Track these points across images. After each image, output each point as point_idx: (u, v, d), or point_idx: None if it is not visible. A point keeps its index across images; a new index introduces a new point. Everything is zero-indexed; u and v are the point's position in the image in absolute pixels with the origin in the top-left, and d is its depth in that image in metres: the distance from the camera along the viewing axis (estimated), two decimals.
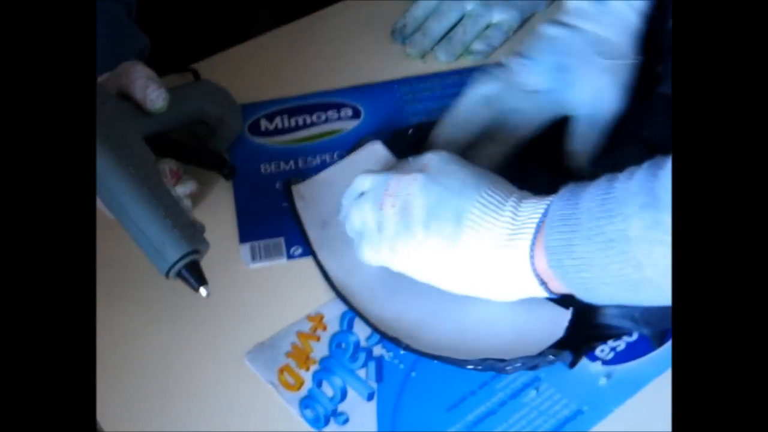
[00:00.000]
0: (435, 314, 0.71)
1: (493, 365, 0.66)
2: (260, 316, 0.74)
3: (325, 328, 0.72)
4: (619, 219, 0.59)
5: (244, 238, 0.79)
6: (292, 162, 0.85)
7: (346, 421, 0.67)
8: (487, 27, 0.95)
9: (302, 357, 0.70)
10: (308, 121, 0.88)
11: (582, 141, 0.81)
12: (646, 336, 0.68)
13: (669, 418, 0.51)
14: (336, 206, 0.76)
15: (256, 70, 0.93)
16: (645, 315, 0.68)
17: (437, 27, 0.94)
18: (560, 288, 0.65)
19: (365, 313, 0.72)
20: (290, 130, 0.88)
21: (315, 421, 0.67)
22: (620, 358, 0.68)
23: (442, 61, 0.93)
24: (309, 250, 0.77)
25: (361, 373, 0.69)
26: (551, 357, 0.66)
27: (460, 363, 0.67)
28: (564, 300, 0.68)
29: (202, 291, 0.68)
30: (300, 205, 0.80)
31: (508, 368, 0.66)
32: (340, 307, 0.73)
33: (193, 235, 0.69)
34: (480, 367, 0.67)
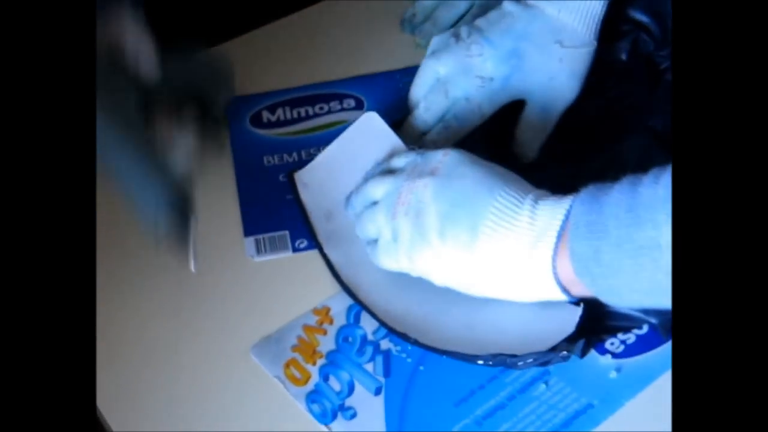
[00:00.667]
0: (444, 308, 0.70)
1: (504, 360, 0.65)
2: (266, 310, 0.73)
3: (331, 322, 0.71)
4: (650, 226, 0.58)
5: (248, 231, 0.78)
6: (295, 154, 0.84)
7: (354, 415, 0.66)
8: None
9: (309, 351, 0.70)
10: (311, 112, 0.87)
11: (532, 130, 0.81)
12: (655, 328, 0.67)
13: None
14: (340, 194, 0.76)
15: (258, 61, 0.92)
16: None
17: (446, 16, 0.93)
18: (584, 292, 0.64)
19: (372, 307, 0.72)
20: (293, 121, 0.87)
21: (322, 416, 0.66)
22: (630, 351, 0.67)
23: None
24: (314, 243, 0.76)
25: (369, 367, 0.68)
26: (564, 353, 0.65)
27: (470, 358, 0.66)
28: None
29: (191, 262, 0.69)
30: (304, 195, 0.79)
31: (519, 363, 0.65)
32: (347, 301, 0.73)
33: (179, 195, 0.67)
34: (491, 363, 0.66)
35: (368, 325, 0.71)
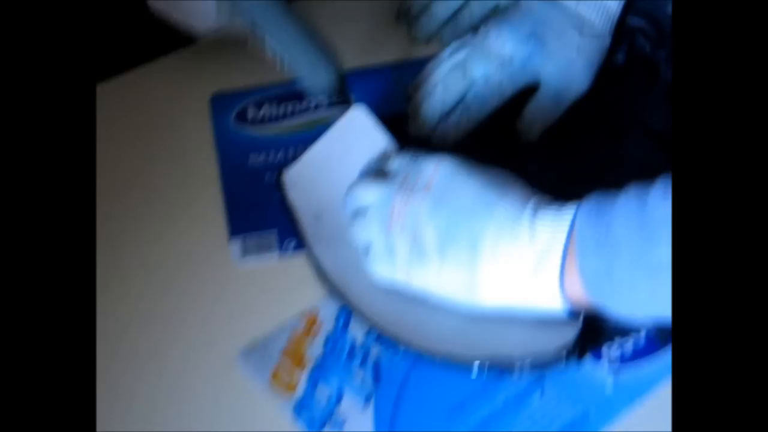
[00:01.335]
0: (437, 314, 0.68)
1: (501, 364, 0.63)
2: (252, 315, 0.71)
3: (320, 327, 0.70)
4: (665, 244, 0.56)
5: (234, 233, 0.76)
6: (281, 152, 0.82)
7: (343, 423, 0.64)
8: (495, 9, 0.91)
9: (296, 357, 0.68)
10: (297, 108, 0.85)
11: (542, 113, 0.80)
12: (652, 334, 0.66)
13: None
14: (329, 193, 0.74)
15: (244, 55, 0.88)
16: None
17: (443, 9, 0.90)
18: (593, 306, 0.61)
19: (362, 310, 0.69)
20: (279, 118, 0.85)
21: (310, 424, 0.64)
22: (627, 358, 0.66)
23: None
24: (303, 244, 0.74)
25: (358, 373, 0.66)
26: (563, 356, 0.63)
27: (465, 361, 0.64)
28: None
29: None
30: (292, 194, 0.76)
31: (516, 365, 0.63)
32: (336, 305, 0.70)
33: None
34: (487, 366, 0.64)
35: (358, 330, 0.69)
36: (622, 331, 0.66)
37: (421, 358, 0.66)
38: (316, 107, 0.85)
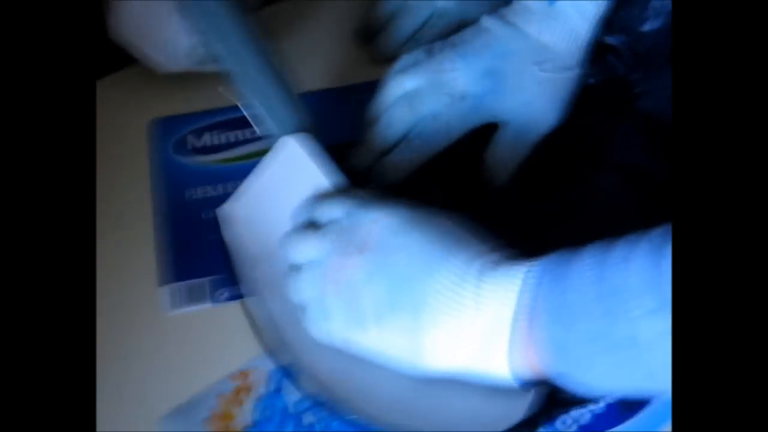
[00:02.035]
0: (381, 374, 0.62)
1: None
2: (178, 373, 0.65)
3: (249, 390, 0.64)
4: (624, 321, 0.50)
5: (164, 279, 0.70)
6: (221, 186, 0.75)
7: None
8: (459, 26, 0.83)
9: (223, 425, 0.62)
10: (241, 137, 0.78)
11: (505, 154, 0.73)
12: (613, 406, 0.59)
13: None
14: (267, 236, 0.67)
15: (186, 77, 0.82)
16: None
17: (404, 27, 0.84)
18: (547, 377, 0.56)
19: (299, 370, 0.63)
20: (222, 148, 0.78)
21: None
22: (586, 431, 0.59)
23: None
24: (238, 294, 0.68)
25: None
26: (514, 430, 0.58)
27: None
28: None
29: None
30: (229, 235, 0.70)
31: None
32: (269, 364, 0.64)
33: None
34: None
35: (293, 394, 0.63)
36: (579, 401, 0.60)
37: (361, 429, 0.60)
38: (265, 136, 0.78)
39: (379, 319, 0.58)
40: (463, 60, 0.73)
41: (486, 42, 0.74)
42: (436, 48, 0.75)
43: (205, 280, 0.69)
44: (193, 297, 0.69)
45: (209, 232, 0.71)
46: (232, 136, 0.78)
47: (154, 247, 0.72)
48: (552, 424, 0.60)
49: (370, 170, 0.74)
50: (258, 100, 0.68)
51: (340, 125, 0.78)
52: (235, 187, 0.73)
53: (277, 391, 0.63)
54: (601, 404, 0.60)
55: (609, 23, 0.77)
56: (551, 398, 0.60)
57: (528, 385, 0.56)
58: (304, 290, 0.61)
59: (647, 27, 0.77)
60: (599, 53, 0.77)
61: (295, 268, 0.63)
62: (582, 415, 0.60)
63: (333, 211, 0.63)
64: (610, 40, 0.78)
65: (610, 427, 0.59)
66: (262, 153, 0.75)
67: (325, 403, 0.61)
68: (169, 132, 0.79)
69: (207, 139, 0.78)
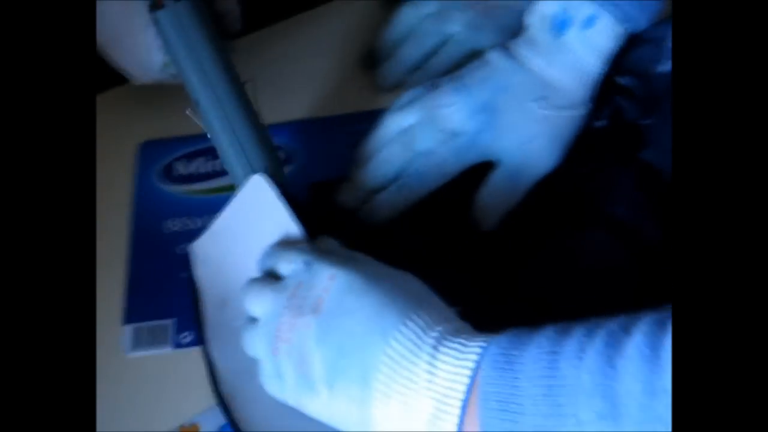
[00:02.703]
0: None
1: None
2: (129, 422, 0.63)
3: None
4: (572, 422, 0.48)
5: (129, 318, 0.68)
6: (199, 219, 0.73)
7: None
8: (470, 56, 0.78)
9: None
10: None
11: (497, 196, 0.70)
12: None
13: None
14: (235, 277, 0.65)
15: (181, 98, 0.78)
16: None
17: (413, 53, 0.79)
18: None
19: (247, 427, 0.61)
20: (207, 176, 0.75)
21: None
22: None
23: None
24: (199, 338, 0.66)
25: None
26: None
27: None
28: None
29: None
30: (199, 273, 0.68)
31: None
32: (220, 419, 0.62)
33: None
34: None
35: None
36: None
37: None
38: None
39: (328, 384, 0.56)
40: (460, 94, 0.70)
41: (486, 75, 0.71)
42: (440, 82, 0.71)
43: (169, 322, 0.67)
44: (155, 339, 0.67)
45: (181, 269, 0.69)
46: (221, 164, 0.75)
47: (124, 280, 0.70)
48: None
49: (356, 211, 0.71)
50: (225, 134, 0.65)
51: (336, 156, 0.75)
52: (210, 221, 0.71)
53: None
54: None
55: (620, 63, 0.72)
56: None
57: None
58: (256, 346, 0.59)
59: (660, 68, 0.72)
60: (608, 94, 0.73)
61: (252, 321, 0.60)
62: None
63: (293, 263, 0.60)
64: (621, 80, 0.73)
65: None
66: None
67: None
68: (158, 156, 0.77)
69: (199, 164, 0.76)
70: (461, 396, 0.52)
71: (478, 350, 0.52)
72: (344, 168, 0.73)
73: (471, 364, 0.52)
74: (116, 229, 0.73)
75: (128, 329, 0.67)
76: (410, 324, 0.55)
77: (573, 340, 0.50)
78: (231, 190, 0.72)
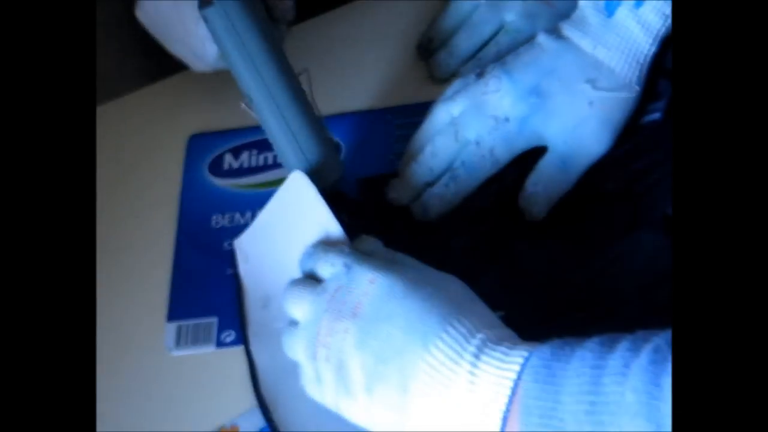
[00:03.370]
0: None
1: None
2: (169, 421, 0.63)
3: None
4: None
5: (172, 315, 0.67)
6: (249, 213, 0.71)
7: None
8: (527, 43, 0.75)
9: None
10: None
11: (547, 184, 0.67)
12: None
13: None
14: (278, 274, 0.63)
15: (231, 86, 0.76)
16: None
17: (466, 43, 0.77)
18: None
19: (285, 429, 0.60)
20: (256, 170, 0.74)
21: None
22: None
23: None
24: (241, 337, 0.65)
25: None
26: None
27: None
28: None
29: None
30: (244, 270, 0.67)
31: None
32: (259, 421, 0.61)
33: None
34: None
35: None
36: None
37: None
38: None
39: (367, 389, 0.55)
40: (506, 79, 0.68)
41: (532, 59, 0.68)
42: (488, 69, 0.69)
43: (212, 320, 0.66)
44: (198, 337, 0.66)
45: (227, 265, 0.68)
46: (270, 156, 0.74)
47: (170, 276, 0.69)
48: None
49: (409, 208, 0.69)
50: (280, 129, 0.64)
51: (385, 150, 0.73)
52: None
53: None
54: None
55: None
56: None
57: None
58: (296, 351, 0.58)
59: None
60: (658, 77, 0.70)
61: (292, 324, 0.59)
62: None
63: (333, 265, 0.59)
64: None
65: None
66: None
67: None
68: (206, 149, 0.76)
69: (248, 158, 0.75)
70: (502, 407, 0.50)
71: (521, 360, 0.51)
72: (394, 162, 0.72)
73: (513, 375, 0.50)
74: (165, 223, 0.72)
75: (171, 327, 0.67)
76: (451, 331, 0.53)
77: (617, 355, 0.48)
78: (280, 184, 0.71)
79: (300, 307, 0.58)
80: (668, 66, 0.69)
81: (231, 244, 0.69)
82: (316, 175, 0.63)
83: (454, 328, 0.53)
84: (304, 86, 0.65)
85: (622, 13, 0.67)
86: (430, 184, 0.69)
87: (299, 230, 0.63)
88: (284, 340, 0.59)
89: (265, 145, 0.74)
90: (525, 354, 0.51)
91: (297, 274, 0.61)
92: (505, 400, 0.50)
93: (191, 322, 0.67)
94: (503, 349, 0.52)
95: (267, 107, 0.63)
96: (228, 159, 0.75)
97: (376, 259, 0.59)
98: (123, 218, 0.73)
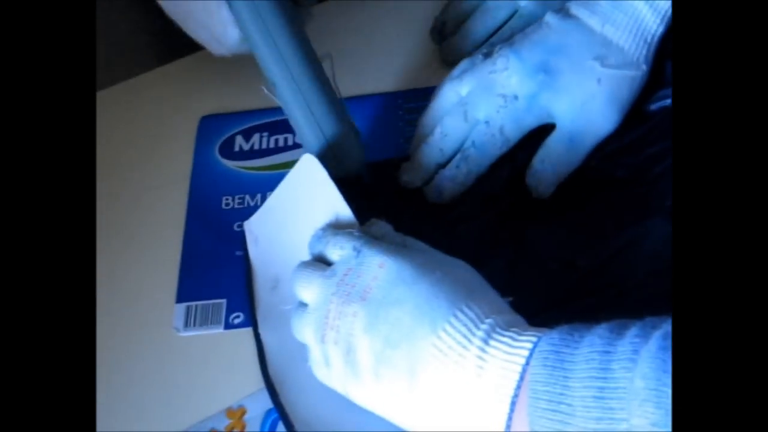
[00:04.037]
0: (378, 426, 0.58)
1: None
2: (176, 401, 0.63)
3: (242, 429, 0.60)
4: (624, 427, 0.46)
5: (182, 296, 0.67)
6: (259, 196, 0.71)
7: None
8: None
9: None
10: (290, 141, 0.74)
11: (554, 161, 0.68)
12: None
13: None
14: (288, 256, 0.63)
15: (244, 68, 0.72)
16: None
17: (480, 28, 0.77)
18: None
19: (292, 416, 0.60)
20: (267, 152, 0.74)
21: None
22: None
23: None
24: (250, 319, 0.65)
25: None
26: None
27: None
28: None
29: None
30: (253, 252, 0.67)
31: None
32: (267, 402, 0.61)
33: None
34: None
35: None
36: None
37: None
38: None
39: (375, 372, 0.55)
40: (517, 56, 0.68)
41: (540, 37, 0.69)
42: (496, 48, 0.69)
43: (221, 301, 0.66)
44: (207, 318, 0.66)
45: (236, 247, 0.68)
46: (281, 139, 0.74)
47: (180, 257, 0.69)
48: None
49: (422, 190, 0.69)
50: (302, 113, 0.64)
51: (396, 133, 0.73)
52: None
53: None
54: None
55: None
56: None
57: None
58: (305, 333, 0.58)
59: None
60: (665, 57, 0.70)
61: (301, 306, 0.59)
62: None
63: (343, 248, 0.59)
64: None
65: None
66: None
67: None
68: (219, 130, 0.76)
69: (258, 140, 0.75)
70: (511, 393, 0.50)
71: (529, 345, 0.51)
72: (403, 147, 0.72)
73: (521, 360, 0.50)
74: (175, 205, 0.72)
75: (180, 308, 0.67)
76: (460, 316, 0.53)
77: (626, 341, 0.48)
78: (291, 167, 0.71)
79: (309, 289, 0.58)
80: None
81: (241, 226, 0.69)
82: (336, 161, 0.63)
83: (463, 313, 0.53)
84: (327, 71, 0.65)
85: None
86: (441, 166, 0.69)
87: (309, 213, 0.63)
88: (293, 323, 0.59)
89: (275, 128, 0.74)
90: (534, 339, 0.51)
91: (306, 256, 0.61)
92: (514, 385, 0.50)
93: (200, 303, 0.67)
94: (512, 334, 0.52)
95: (289, 91, 0.63)
96: (239, 141, 0.75)
97: (385, 243, 0.59)
98: (133, 199, 0.73)
